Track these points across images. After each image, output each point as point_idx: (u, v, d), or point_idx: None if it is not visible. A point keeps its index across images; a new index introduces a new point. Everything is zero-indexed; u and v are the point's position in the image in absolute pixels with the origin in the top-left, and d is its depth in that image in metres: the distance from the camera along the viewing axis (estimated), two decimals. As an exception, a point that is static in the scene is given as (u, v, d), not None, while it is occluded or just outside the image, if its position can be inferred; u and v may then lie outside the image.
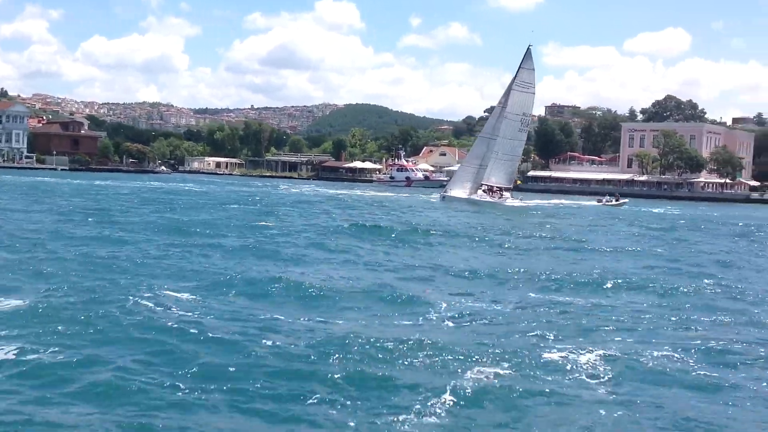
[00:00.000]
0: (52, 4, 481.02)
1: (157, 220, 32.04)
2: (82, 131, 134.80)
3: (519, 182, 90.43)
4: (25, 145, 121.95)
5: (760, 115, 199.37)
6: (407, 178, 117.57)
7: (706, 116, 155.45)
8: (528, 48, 74.82)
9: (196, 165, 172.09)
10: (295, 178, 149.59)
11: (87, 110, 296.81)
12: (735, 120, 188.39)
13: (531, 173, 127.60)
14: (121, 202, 45.05)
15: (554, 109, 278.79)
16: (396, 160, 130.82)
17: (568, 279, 18.40)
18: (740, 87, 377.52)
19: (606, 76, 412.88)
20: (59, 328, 11.15)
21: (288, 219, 36.67)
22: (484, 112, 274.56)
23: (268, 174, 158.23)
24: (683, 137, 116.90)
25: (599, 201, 76.68)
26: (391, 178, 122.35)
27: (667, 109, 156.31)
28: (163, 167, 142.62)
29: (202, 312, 12.69)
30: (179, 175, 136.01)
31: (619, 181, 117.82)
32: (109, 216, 33.18)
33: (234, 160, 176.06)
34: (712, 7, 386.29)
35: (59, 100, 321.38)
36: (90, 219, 30.92)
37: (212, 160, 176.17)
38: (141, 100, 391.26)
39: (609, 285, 17.72)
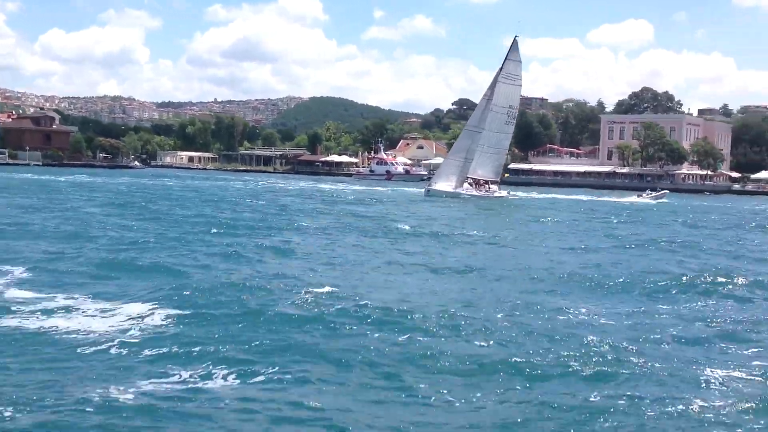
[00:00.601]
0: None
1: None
2: (54, 126, 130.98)
3: (507, 175, 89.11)
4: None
5: (725, 106, 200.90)
6: (387, 171, 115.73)
7: (682, 108, 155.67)
8: (514, 39, 73.71)
9: (168, 159, 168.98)
10: (271, 172, 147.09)
11: (48, 104, 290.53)
12: (701, 111, 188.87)
13: (512, 166, 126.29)
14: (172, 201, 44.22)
15: (522, 101, 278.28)
16: (374, 153, 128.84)
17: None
18: (703, 78, 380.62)
19: (570, 68, 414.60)
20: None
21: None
22: (452, 104, 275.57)
23: (242, 168, 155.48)
24: (663, 129, 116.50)
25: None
26: (371, 171, 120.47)
27: (644, 101, 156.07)
28: (136, 162, 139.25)
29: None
30: (153, 169, 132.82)
31: (600, 173, 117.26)
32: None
33: (207, 155, 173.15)
34: None
35: (19, 95, 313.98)
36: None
37: (185, 155, 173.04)
38: (101, 93, 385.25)
39: None
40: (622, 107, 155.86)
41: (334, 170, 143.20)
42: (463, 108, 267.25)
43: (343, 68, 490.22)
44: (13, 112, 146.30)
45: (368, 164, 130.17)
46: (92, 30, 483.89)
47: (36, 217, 29.98)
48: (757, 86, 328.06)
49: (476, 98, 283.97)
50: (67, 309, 12.67)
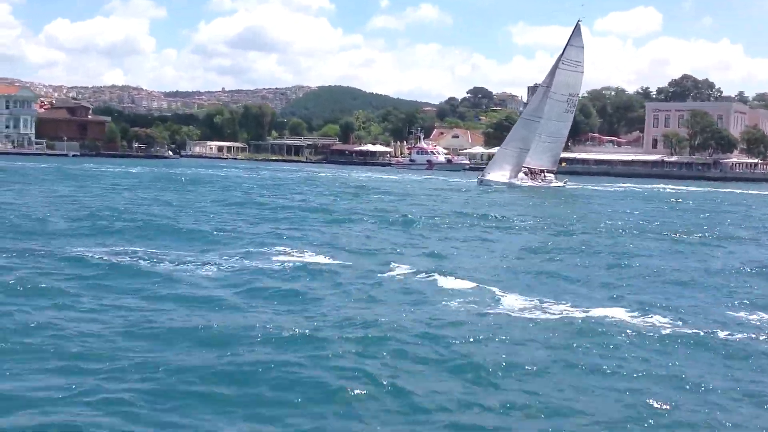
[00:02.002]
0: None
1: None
2: (89, 116, 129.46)
3: (564, 164, 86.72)
4: (33, 131, 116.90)
5: (741, 93, 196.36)
6: (428, 161, 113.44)
7: (723, 95, 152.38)
8: (577, 23, 71.14)
9: (197, 149, 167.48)
10: (303, 162, 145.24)
11: (56, 94, 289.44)
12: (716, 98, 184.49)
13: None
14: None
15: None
16: (413, 142, 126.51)
17: None
18: (711, 65, 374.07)
19: None
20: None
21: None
22: (467, 93, 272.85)
23: (274, 158, 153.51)
24: (712, 117, 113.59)
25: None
26: (411, 161, 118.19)
27: (685, 89, 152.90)
28: (169, 152, 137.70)
29: None
30: (187, 159, 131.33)
31: (647, 162, 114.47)
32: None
33: (237, 144, 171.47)
34: None
35: (27, 84, 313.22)
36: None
37: (214, 144, 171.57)
38: (106, 83, 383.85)
39: None
40: (662, 95, 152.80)
41: (368, 159, 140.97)
42: (478, 96, 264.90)
43: (348, 57, 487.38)
44: (44, 102, 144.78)
45: (408, 153, 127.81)
46: (97, 20, 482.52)
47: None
48: (765, 74, 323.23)
49: (489, 86, 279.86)
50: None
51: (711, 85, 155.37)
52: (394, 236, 23.55)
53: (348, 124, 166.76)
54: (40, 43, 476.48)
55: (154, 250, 17.95)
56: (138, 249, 18.03)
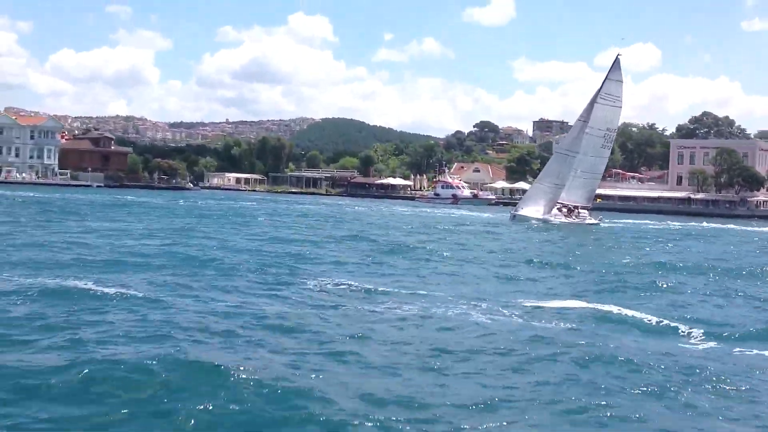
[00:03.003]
0: (21, 16, 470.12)
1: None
2: (112, 147, 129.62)
3: (599, 200, 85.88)
4: (56, 161, 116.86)
5: (743, 131, 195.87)
6: (454, 195, 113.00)
7: (745, 133, 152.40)
8: (617, 57, 70.63)
9: (216, 181, 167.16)
10: (323, 194, 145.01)
11: (62, 123, 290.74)
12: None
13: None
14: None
15: (543, 124, 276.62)
16: (439, 176, 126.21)
17: None
18: (709, 102, 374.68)
19: (577, 90, 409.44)
20: None
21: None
22: (474, 127, 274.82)
23: (295, 191, 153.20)
24: (738, 154, 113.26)
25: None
26: (436, 194, 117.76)
27: (704, 125, 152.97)
28: (189, 183, 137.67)
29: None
30: (208, 191, 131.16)
31: (675, 199, 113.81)
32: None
33: (255, 176, 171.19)
34: (683, 22, 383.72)
35: (32, 114, 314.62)
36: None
37: (232, 176, 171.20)
38: (111, 113, 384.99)
39: None
40: (683, 132, 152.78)
41: (389, 193, 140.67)
42: (484, 130, 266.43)
43: (350, 89, 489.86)
44: (66, 132, 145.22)
45: (432, 187, 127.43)
46: (103, 50, 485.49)
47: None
48: (764, 111, 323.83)
49: (490, 120, 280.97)
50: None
51: (731, 123, 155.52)
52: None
53: (368, 158, 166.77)
54: (45, 73, 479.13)
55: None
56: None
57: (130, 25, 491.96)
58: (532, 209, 68.13)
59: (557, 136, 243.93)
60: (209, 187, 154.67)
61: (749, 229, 69.31)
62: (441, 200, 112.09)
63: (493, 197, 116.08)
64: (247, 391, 9.12)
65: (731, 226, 72.14)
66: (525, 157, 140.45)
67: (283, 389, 9.22)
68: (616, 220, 75.14)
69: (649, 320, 15.09)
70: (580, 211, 70.03)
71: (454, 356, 11.47)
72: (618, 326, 14.53)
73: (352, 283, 18.64)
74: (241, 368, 9.86)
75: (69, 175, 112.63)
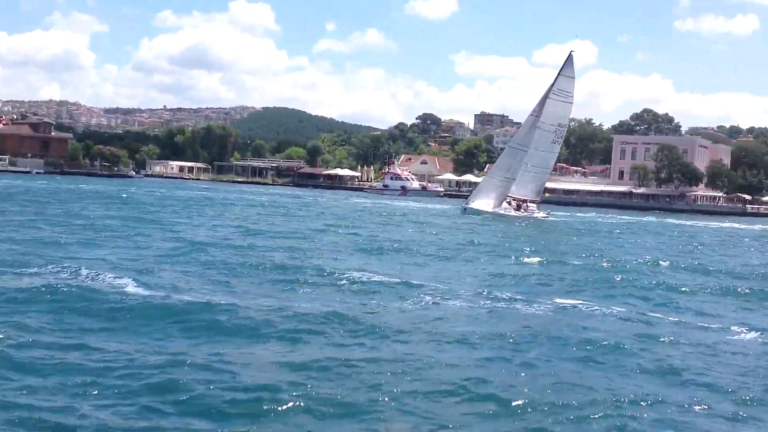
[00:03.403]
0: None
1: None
2: (52, 133, 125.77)
3: (547, 194, 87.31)
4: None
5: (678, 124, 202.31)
6: (402, 187, 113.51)
7: (681, 129, 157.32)
8: (570, 54, 71.68)
9: (158, 169, 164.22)
10: (270, 184, 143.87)
11: None
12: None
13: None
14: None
15: (484, 118, 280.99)
16: (388, 168, 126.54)
17: None
18: (641, 99, 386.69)
19: (514, 86, 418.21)
20: None
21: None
22: (417, 119, 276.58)
23: (240, 180, 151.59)
24: (679, 150, 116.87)
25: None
26: (385, 186, 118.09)
27: (644, 122, 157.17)
28: (132, 171, 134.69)
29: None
30: (151, 179, 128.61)
31: (617, 193, 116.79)
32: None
33: (200, 165, 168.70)
34: (618, 21, 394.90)
35: None
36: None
37: (175, 164, 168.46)
38: (43, 98, 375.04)
39: None
40: (623, 128, 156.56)
41: (336, 184, 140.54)
42: (427, 122, 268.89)
43: (292, 79, 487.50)
44: (3, 117, 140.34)
45: (381, 179, 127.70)
46: (36, 33, 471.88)
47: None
48: (694, 108, 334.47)
49: (430, 112, 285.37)
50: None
51: (670, 120, 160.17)
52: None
53: (316, 148, 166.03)
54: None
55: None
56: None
57: (65, 8, 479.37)
58: (483, 202, 68.88)
59: (498, 130, 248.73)
60: (151, 175, 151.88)
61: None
62: (390, 192, 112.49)
63: (442, 189, 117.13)
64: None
65: (690, 222, 74.01)
66: (472, 150, 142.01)
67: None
68: (564, 213, 76.65)
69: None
70: (529, 204, 71.12)
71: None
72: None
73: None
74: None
75: (8, 160, 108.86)
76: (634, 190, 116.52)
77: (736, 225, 74.33)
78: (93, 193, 61.85)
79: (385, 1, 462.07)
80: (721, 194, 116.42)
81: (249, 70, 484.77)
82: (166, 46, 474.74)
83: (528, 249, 30.52)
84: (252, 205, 59.73)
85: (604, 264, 25.68)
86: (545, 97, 71.10)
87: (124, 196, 60.58)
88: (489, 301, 16.17)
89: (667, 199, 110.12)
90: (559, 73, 71.08)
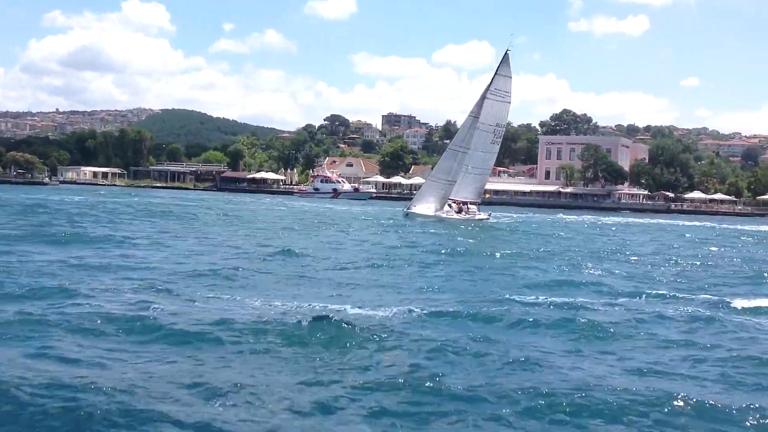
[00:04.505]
0: None
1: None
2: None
3: (488, 195, 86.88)
4: None
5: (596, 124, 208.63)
6: (334, 190, 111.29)
7: (599, 129, 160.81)
8: (506, 53, 70.93)
9: (71, 175, 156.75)
10: (192, 189, 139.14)
11: None
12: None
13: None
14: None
15: (391, 118, 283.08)
16: (317, 171, 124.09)
17: None
18: (539, 99, 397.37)
19: (414, 86, 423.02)
20: None
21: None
22: (324, 120, 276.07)
23: (159, 185, 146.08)
24: (602, 150, 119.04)
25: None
26: (315, 189, 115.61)
27: (564, 122, 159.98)
28: (46, 178, 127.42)
29: None
30: (67, 186, 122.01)
31: (546, 192, 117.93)
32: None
33: (115, 170, 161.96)
34: (515, 22, 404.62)
35: None
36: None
37: (89, 170, 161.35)
38: None
39: None
40: (545, 128, 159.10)
41: (261, 187, 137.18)
42: (335, 124, 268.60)
43: (189, 80, 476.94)
44: None
45: (311, 182, 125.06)
46: None
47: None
48: (589, 108, 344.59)
49: (335, 113, 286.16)
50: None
51: (589, 120, 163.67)
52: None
53: (237, 151, 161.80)
54: None
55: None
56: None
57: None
58: (424, 206, 67.71)
59: (407, 131, 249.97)
60: (65, 182, 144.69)
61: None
62: (321, 195, 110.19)
63: (374, 191, 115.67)
64: None
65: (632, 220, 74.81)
66: (399, 151, 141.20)
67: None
68: (502, 214, 76.27)
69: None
70: (470, 207, 70.19)
71: None
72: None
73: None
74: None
75: None
76: (562, 190, 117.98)
77: (699, 223, 75.48)
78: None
79: (283, 1, 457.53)
80: (643, 192, 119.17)
81: (143, 71, 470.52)
82: (56, 47, 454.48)
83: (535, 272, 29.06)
84: (222, 214, 56.41)
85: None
86: (483, 97, 70.18)
87: (77, 199, 56.11)
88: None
89: (595, 198, 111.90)
90: (496, 73, 70.24)
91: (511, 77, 70.55)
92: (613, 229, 58.79)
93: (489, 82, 70.55)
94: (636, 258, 29.72)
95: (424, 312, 14.01)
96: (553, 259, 27.14)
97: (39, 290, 14.85)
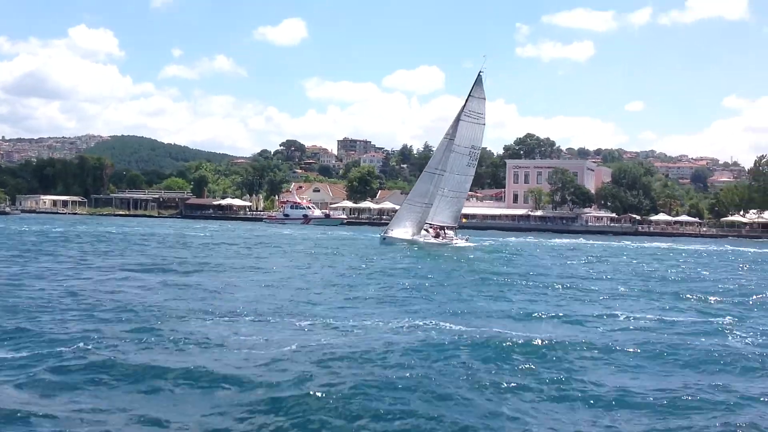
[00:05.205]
0: None
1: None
2: None
3: (465, 220, 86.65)
4: None
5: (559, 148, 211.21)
6: (305, 215, 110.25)
7: (562, 153, 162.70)
8: (479, 75, 70.81)
9: (29, 204, 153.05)
10: (156, 216, 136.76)
11: None
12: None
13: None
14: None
15: (347, 143, 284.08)
16: (286, 197, 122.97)
17: None
18: (489, 124, 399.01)
19: (366, 111, 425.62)
20: None
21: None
22: (280, 146, 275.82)
23: (122, 213, 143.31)
24: (570, 173, 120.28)
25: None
26: (286, 215, 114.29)
27: (527, 146, 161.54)
28: (7, 208, 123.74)
29: None
30: (29, 215, 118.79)
31: (515, 216, 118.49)
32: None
33: (75, 198, 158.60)
34: (463, 48, 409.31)
35: None
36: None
37: (48, 198, 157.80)
38: None
39: None
40: (508, 152, 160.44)
41: (227, 213, 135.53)
42: (291, 149, 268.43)
43: (138, 106, 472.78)
44: None
45: (280, 208, 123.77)
46: None
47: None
48: (536, 132, 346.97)
49: (288, 138, 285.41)
50: None
51: (552, 144, 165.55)
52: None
53: (202, 178, 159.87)
54: None
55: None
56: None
57: None
58: (401, 230, 66.64)
59: (364, 155, 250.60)
60: (25, 211, 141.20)
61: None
62: (292, 221, 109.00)
63: (344, 216, 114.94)
64: None
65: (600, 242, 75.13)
66: (366, 176, 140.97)
67: None
68: (479, 238, 75.99)
69: None
70: (447, 231, 69.60)
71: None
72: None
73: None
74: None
75: None
76: (531, 213, 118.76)
77: (666, 245, 75.90)
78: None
79: (233, 26, 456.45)
80: (610, 215, 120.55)
81: (91, 97, 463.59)
82: (0, 74, 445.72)
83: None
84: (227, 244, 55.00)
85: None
86: (457, 119, 69.91)
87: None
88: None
89: (564, 221, 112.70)
90: (469, 95, 70.03)
91: (485, 99, 70.20)
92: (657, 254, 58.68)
93: (463, 104, 70.16)
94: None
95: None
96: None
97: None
